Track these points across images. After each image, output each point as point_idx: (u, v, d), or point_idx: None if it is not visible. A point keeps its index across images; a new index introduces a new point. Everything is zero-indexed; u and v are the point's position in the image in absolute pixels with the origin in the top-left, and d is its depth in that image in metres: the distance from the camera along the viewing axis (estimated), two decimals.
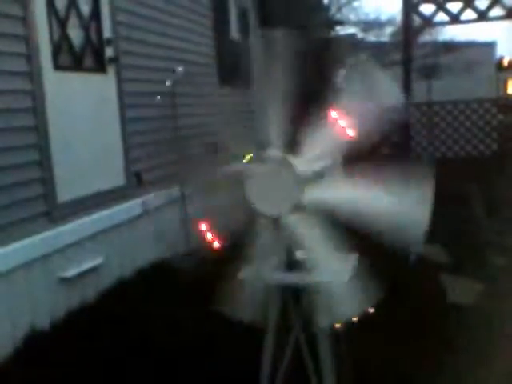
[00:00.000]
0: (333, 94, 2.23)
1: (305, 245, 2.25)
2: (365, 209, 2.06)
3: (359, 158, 2.26)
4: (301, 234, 2.18)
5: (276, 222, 2.20)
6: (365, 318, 2.25)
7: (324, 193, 2.22)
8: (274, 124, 2.16)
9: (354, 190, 2.15)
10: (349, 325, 2.40)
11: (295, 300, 2.42)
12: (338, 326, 2.41)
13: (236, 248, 2.28)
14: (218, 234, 2.41)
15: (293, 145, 2.18)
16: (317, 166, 2.29)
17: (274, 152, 2.17)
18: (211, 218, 2.41)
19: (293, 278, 2.35)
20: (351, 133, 2.19)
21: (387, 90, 2.20)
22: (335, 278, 2.27)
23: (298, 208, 2.14)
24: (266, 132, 2.18)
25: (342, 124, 2.17)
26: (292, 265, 2.36)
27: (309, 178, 2.17)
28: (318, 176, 2.28)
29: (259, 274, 2.35)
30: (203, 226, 2.41)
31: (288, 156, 2.16)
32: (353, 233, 2.09)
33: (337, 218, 2.09)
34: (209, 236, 2.41)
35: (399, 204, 2.03)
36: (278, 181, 2.14)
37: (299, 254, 2.36)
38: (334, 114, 2.19)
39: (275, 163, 2.15)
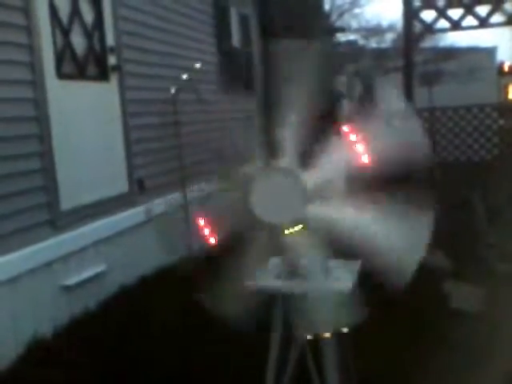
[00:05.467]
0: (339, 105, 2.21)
1: (304, 254, 2.25)
2: (362, 231, 2.05)
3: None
4: (301, 245, 2.18)
5: (276, 229, 2.20)
6: (367, 325, 2.25)
7: (325, 210, 2.21)
8: (288, 135, 2.16)
9: (354, 211, 2.13)
10: (350, 331, 2.41)
11: (297, 308, 2.42)
12: (341, 332, 2.41)
13: (236, 251, 2.27)
14: (215, 231, 2.41)
15: (303, 157, 2.18)
16: (320, 181, 2.26)
17: (283, 162, 2.17)
18: (210, 215, 2.42)
19: (295, 286, 2.36)
20: (366, 160, 2.13)
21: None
22: (337, 285, 2.28)
23: (300, 221, 2.14)
24: (278, 142, 2.17)
25: (357, 148, 2.12)
26: (293, 273, 2.36)
27: (313, 193, 2.16)
28: (321, 190, 2.26)
29: (261, 282, 2.36)
30: (201, 222, 2.43)
31: (296, 168, 2.16)
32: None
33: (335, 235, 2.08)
34: (206, 231, 2.43)
35: (397, 230, 2.02)
36: (283, 191, 2.14)
37: (301, 262, 2.36)
38: (349, 134, 2.15)
39: (283, 174, 2.14)
